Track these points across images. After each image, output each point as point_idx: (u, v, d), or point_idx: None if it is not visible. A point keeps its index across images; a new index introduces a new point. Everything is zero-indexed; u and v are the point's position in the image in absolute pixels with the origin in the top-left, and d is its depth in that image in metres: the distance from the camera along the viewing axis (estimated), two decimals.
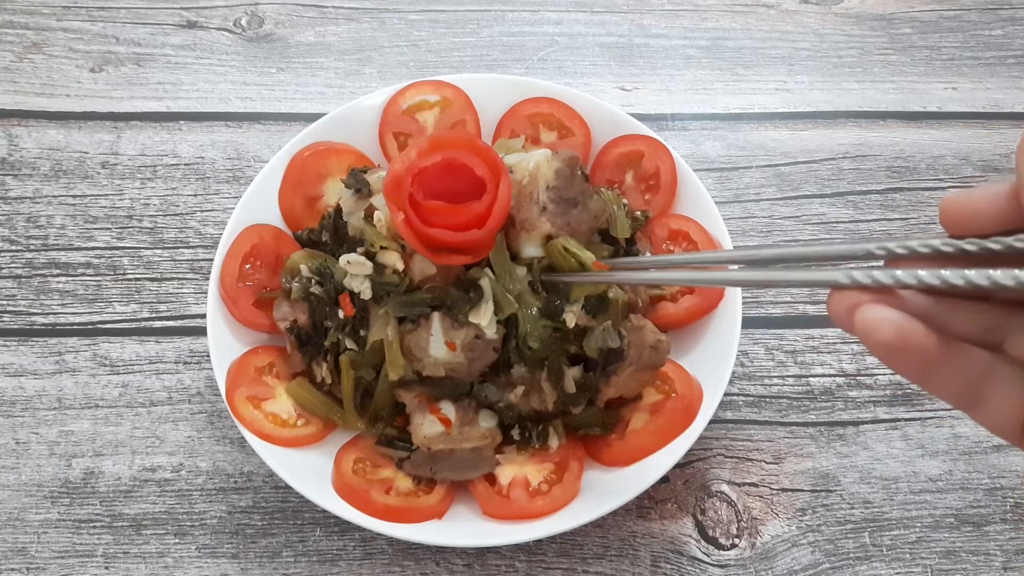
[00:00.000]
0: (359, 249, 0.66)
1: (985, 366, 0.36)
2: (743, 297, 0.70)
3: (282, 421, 0.66)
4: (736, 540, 0.68)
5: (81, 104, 0.91)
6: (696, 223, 0.72)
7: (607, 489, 0.63)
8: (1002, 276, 0.32)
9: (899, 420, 0.73)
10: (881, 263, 0.39)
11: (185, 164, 0.87)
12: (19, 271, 0.81)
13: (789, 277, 0.44)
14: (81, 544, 0.68)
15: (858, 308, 0.36)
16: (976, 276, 0.33)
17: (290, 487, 0.62)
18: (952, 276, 0.34)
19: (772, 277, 0.45)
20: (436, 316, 0.64)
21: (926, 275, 0.35)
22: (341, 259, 0.65)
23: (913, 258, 0.38)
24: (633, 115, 0.78)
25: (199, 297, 0.80)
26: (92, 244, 0.82)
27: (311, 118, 0.80)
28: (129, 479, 0.71)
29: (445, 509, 0.65)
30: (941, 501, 0.70)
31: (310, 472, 0.64)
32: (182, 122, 0.90)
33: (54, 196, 0.85)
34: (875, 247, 0.39)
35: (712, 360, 0.67)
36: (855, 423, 0.73)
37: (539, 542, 0.68)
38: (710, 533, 0.68)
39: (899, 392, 0.75)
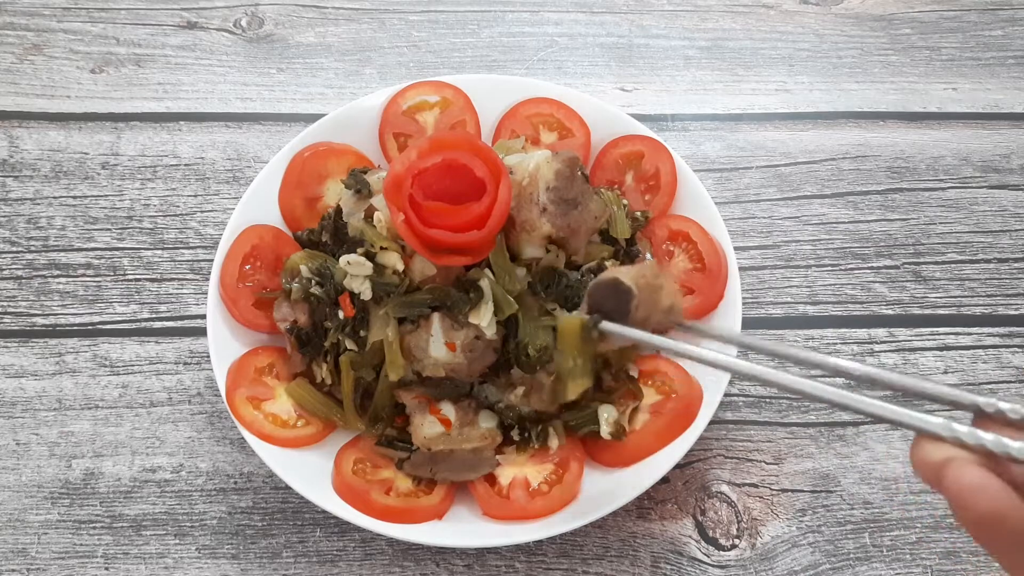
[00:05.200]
0: (359, 250, 0.66)
1: None
2: (743, 297, 0.70)
3: (282, 422, 0.66)
4: (736, 541, 0.68)
5: (81, 105, 0.91)
6: (696, 224, 0.72)
7: (607, 490, 0.63)
8: None
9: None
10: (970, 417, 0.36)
11: (185, 165, 0.87)
12: (20, 272, 0.81)
13: (881, 409, 0.41)
14: (81, 545, 0.68)
15: (952, 464, 0.33)
16: None
17: (290, 488, 0.62)
18: None
19: (860, 403, 0.42)
20: (436, 316, 0.64)
21: None
22: (341, 260, 0.65)
23: (998, 420, 0.35)
24: (633, 116, 0.78)
25: (199, 298, 0.80)
26: (92, 245, 0.82)
27: (311, 119, 0.80)
28: (129, 480, 0.71)
29: (445, 510, 0.65)
30: (941, 502, 0.70)
31: (310, 473, 0.64)
32: (182, 123, 0.90)
33: (54, 197, 0.85)
34: (983, 401, 0.37)
35: None
36: (855, 423, 0.73)
37: (539, 543, 0.68)
38: (710, 534, 0.68)
39: (899, 393, 0.75)
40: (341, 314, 0.66)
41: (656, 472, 0.63)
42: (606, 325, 0.57)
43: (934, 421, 0.36)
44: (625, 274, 0.57)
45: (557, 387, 0.64)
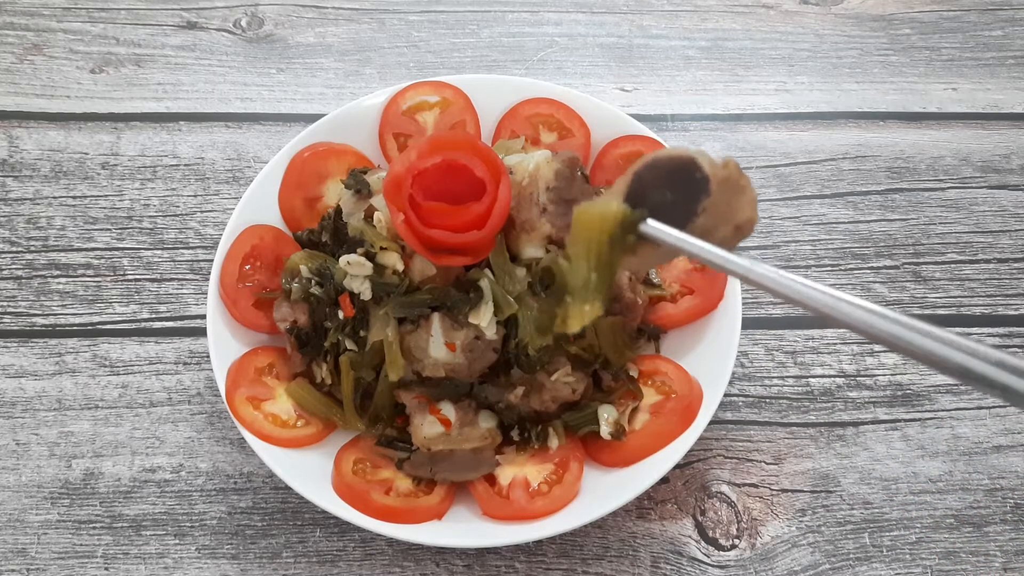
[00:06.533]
0: (359, 250, 0.66)
1: None
2: (743, 297, 0.70)
3: (282, 422, 0.66)
4: (736, 541, 0.68)
5: (81, 105, 0.91)
6: None
7: (607, 489, 0.63)
8: None
9: (899, 421, 0.73)
10: None
11: (185, 165, 0.87)
12: (19, 272, 0.81)
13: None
14: (81, 545, 0.68)
15: None
16: None
17: (290, 488, 0.62)
18: None
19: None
20: (436, 317, 0.64)
21: None
22: (341, 260, 0.65)
23: None
24: (633, 116, 0.78)
25: (199, 298, 0.80)
26: (92, 245, 0.82)
27: (311, 119, 0.80)
28: (129, 480, 0.71)
29: (445, 510, 0.65)
30: (941, 502, 0.70)
31: (310, 473, 0.64)
32: (182, 123, 0.90)
33: (54, 197, 0.85)
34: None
35: (712, 361, 0.67)
36: (855, 424, 0.73)
37: (539, 543, 0.68)
38: (710, 534, 0.68)
39: (899, 393, 0.75)
40: (341, 314, 0.66)
41: (656, 472, 0.62)
42: (652, 226, 0.40)
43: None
44: (703, 158, 0.40)
45: (554, 311, 0.47)
